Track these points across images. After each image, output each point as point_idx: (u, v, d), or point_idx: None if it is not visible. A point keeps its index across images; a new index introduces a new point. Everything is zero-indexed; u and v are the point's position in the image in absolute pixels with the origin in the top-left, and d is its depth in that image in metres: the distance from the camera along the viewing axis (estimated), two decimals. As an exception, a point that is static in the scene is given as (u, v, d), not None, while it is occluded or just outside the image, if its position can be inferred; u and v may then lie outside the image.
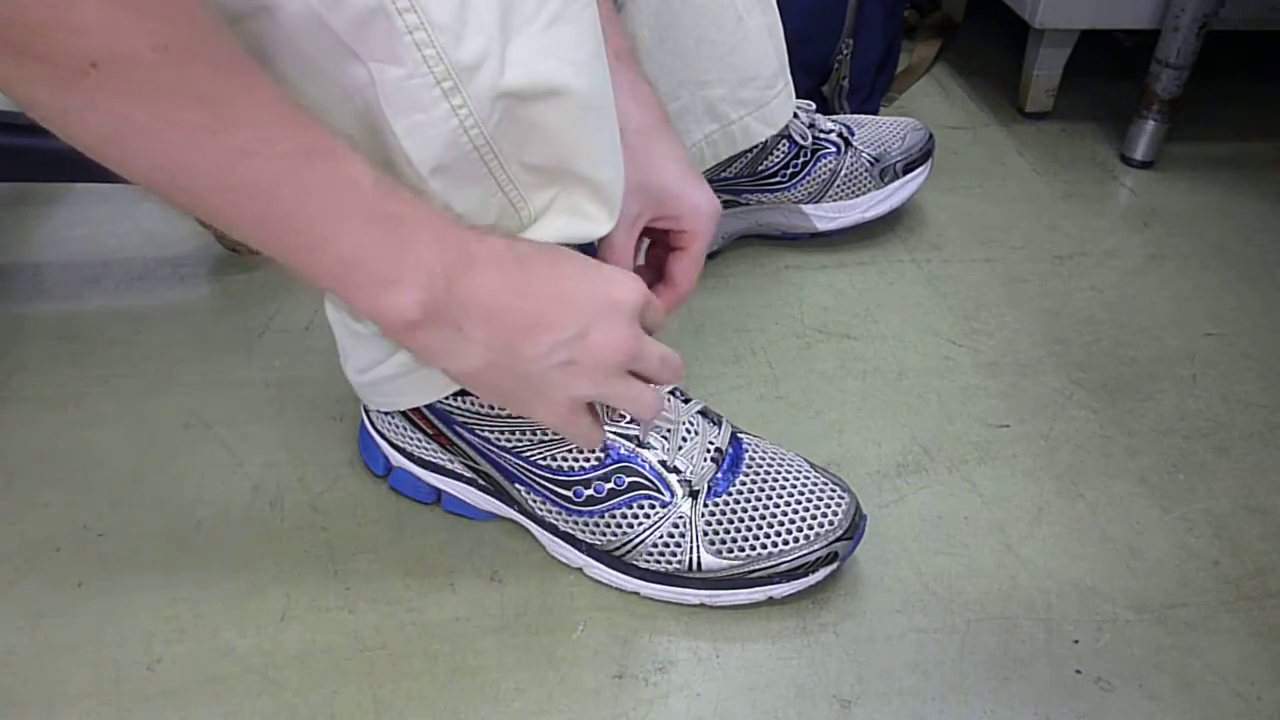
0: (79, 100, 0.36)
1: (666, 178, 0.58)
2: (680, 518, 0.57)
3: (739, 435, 0.61)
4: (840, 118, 0.91)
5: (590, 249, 0.54)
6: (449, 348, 0.47)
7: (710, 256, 0.89)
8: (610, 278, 0.50)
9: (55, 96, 0.36)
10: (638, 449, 0.57)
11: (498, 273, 0.46)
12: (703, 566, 0.57)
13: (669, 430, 0.58)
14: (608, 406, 0.56)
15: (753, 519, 0.57)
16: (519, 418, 0.56)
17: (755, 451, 0.60)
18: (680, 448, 0.58)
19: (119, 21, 0.34)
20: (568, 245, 0.52)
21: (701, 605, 0.59)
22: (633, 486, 0.57)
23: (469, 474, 0.62)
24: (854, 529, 0.58)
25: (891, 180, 0.89)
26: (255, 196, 0.40)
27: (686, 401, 0.60)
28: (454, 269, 0.45)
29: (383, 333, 0.47)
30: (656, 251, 0.62)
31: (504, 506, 0.62)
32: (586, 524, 0.58)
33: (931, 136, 0.92)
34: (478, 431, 0.59)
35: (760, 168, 0.85)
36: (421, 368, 0.56)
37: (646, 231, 0.59)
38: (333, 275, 0.43)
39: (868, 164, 0.88)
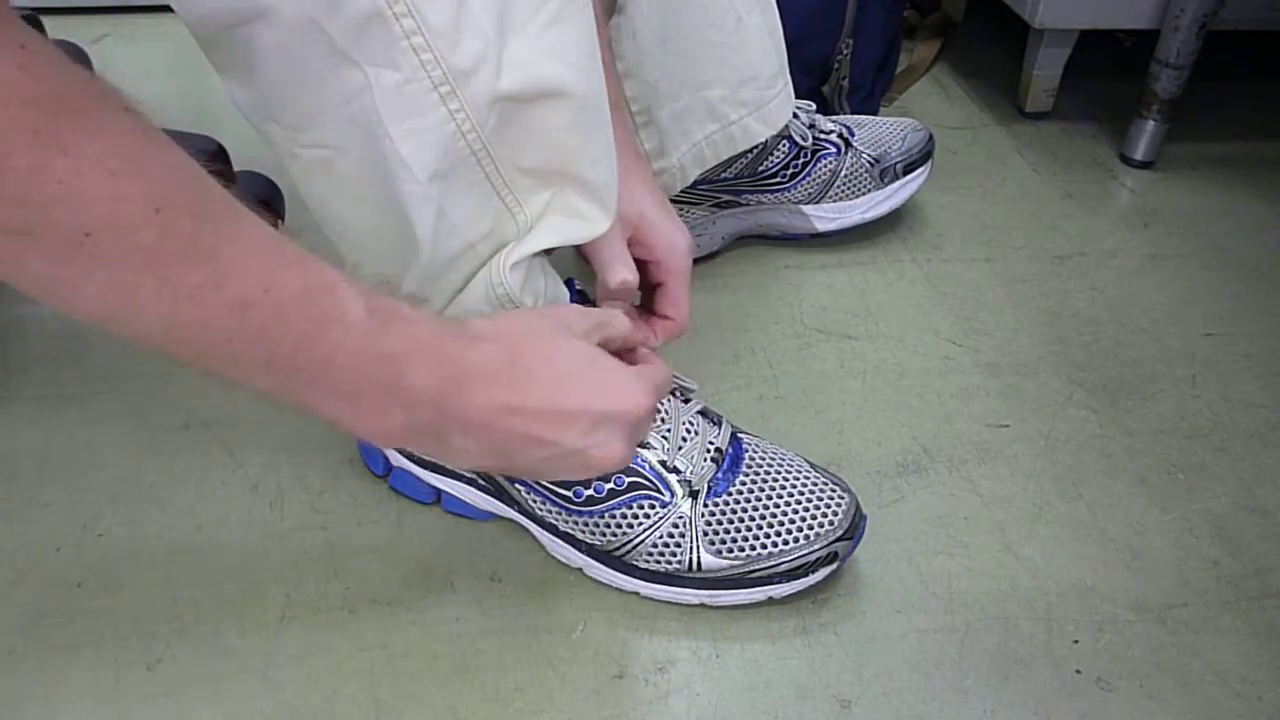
0: (76, 271, 0.34)
1: (644, 204, 0.58)
2: (680, 518, 0.57)
3: (739, 435, 0.61)
4: (840, 118, 0.91)
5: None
6: (440, 451, 0.48)
7: (710, 256, 0.89)
8: (614, 385, 0.48)
9: (50, 268, 0.34)
10: (638, 449, 0.57)
11: (491, 390, 0.45)
12: (703, 566, 0.57)
13: (669, 430, 0.58)
14: None
15: (753, 519, 0.57)
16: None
17: (755, 451, 0.60)
18: (680, 448, 0.58)
19: (122, 189, 0.33)
20: (569, 245, 0.52)
21: (701, 605, 0.59)
22: (632, 486, 0.57)
23: (469, 474, 0.62)
24: (854, 529, 0.58)
25: (891, 181, 0.89)
26: (258, 343, 0.39)
27: (686, 401, 0.60)
28: (446, 392, 0.44)
29: None
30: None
31: (504, 506, 0.62)
32: (586, 524, 0.58)
33: (931, 137, 0.92)
34: (478, 431, 0.58)
35: (761, 168, 0.85)
36: None
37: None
38: (326, 408, 0.42)
39: (868, 165, 0.88)
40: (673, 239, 0.59)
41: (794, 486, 0.59)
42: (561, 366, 0.47)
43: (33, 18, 1.06)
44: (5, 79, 0.30)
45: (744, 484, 0.58)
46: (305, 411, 0.43)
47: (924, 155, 0.91)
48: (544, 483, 0.58)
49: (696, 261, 0.86)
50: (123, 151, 0.33)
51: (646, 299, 0.62)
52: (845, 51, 1.02)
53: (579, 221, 0.51)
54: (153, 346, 0.39)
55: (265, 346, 0.39)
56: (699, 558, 0.57)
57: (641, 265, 0.59)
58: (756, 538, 0.57)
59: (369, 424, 0.43)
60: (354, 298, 0.41)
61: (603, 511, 0.57)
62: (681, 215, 0.64)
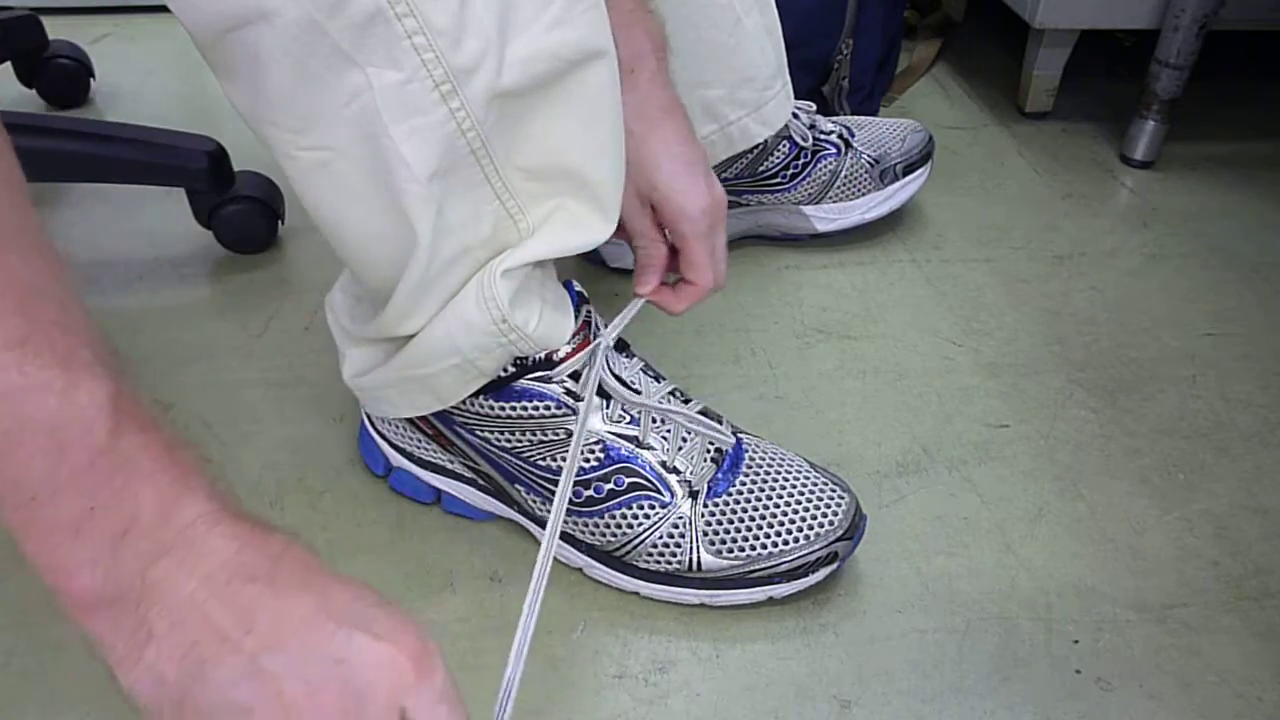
0: None
1: (659, 174, 0.57)
2: (680, 518, 0.57)
3: (739, 435, 0.61)
4: (840, 119, 0.91)
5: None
6: (121, 638, 0.33)
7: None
8: (365, 647, 0.34)
9: None
10: (638, 449, 0.57)
11: (212, 564, 0.33)
12: (703, 566, 0.57)
13: (669, 430, 0.58)
14: None
15: (753, 519, 0.57)
16: (519, 419, 0.56)
17: (755, 451, 0.60)
18: (680, 448, 0.58)
19: None
20: (568, 255, 0.52)
21: (701, 605, 0.59)
22: (633, 487, 0.57)
23: (469, 474, 0.62)
24: (854, 529, 0.58)
25: (891, 182, 0.89)
26: None
27: (686, 402, 0.60)
28: (159, 571, 0.33)
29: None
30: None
31: (504, 507, 0.62)
32: (586, 524, 0.58)
33: (931, 138, 0.92)
34: (477, 432, 0.58)
35: (761, 169, 0.85)
36: (412, 380, 0.55)
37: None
38: (24, 533, 0.33)
39: (868, 165, 0.88)
40: (684, 204, 0.58)
41: (794, 486, 0.58)
42: (306, 607, 0.35)
43: (33, 18, 1.06)
44: None
45: (744, 484, 0.58)
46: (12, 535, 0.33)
47: (924, 156, 0.91)
48: (544, 483, 0.58)
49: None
50: None
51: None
52: (845, 51, 1.02)
53: (578, 231, 0.51)
54: None
55: None
56: (699, 558, 0.57)
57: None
58: (756, 538, 0.57)
59: (61, 581, 0.33)
60: (94, 406, 0.32)
61: (603, 512, 0.57)
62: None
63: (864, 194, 0.88)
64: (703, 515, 0.57)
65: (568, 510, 0.58)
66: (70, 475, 0.32)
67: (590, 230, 0.52)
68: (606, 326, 0.58)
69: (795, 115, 0.84)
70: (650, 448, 0.57)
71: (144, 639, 0.33)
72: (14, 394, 0.31)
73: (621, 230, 0.56)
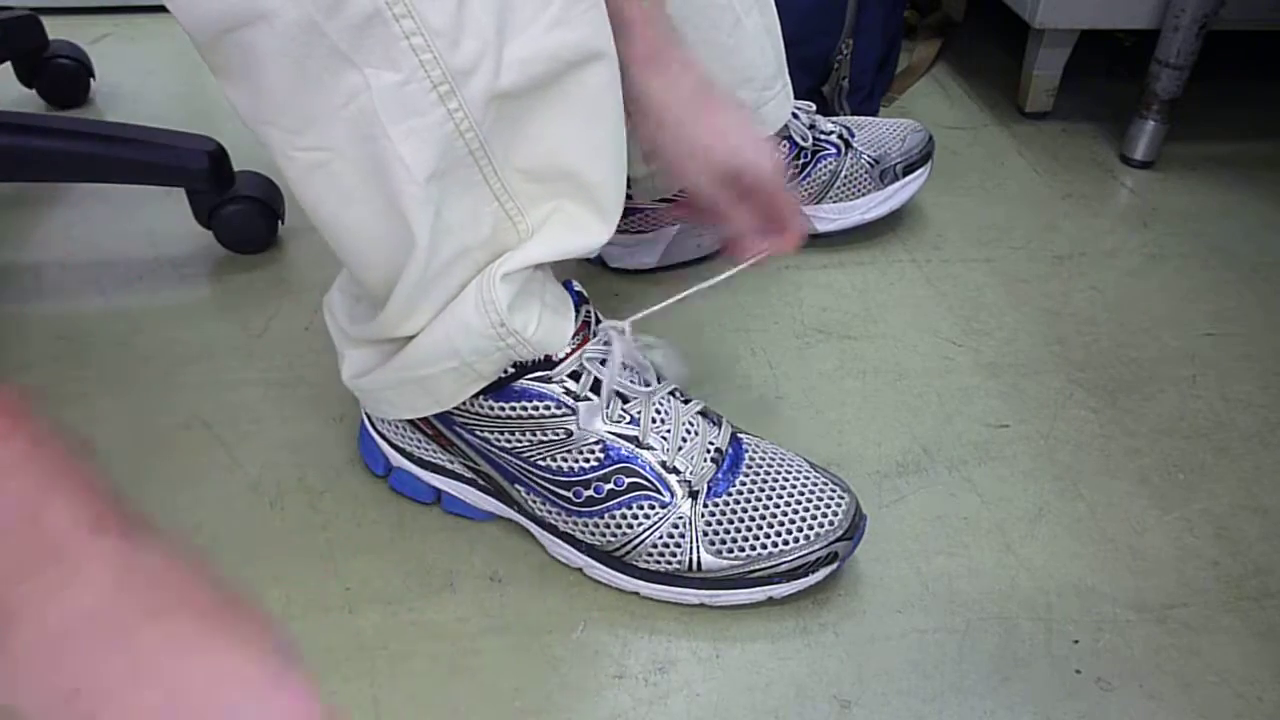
0: None
1: (736, 141, 0.57)
2: (680, 518, 0.57)
3: (739, 435, 0.61)
4: (840, 119, 0.91)
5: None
6: None
7: (710, 257, 0.89)
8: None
9: None
10: (637, 449, 0.57)
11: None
12: (703, 566, 0.57)
13: (669, 431, 0.58)
14: None
15: (753, 519, 0.57)
16: (519, 419, 0.56)
17: (755, 451, 0.60)
18: (680, 448, 0.58)
19: None
20: (568, 258, 0.52)
21: (701, 605, 0.59)
22: (632, 487, 0.57)
23: (469, 474, 0.62)
24: (854, 529, 0.58)
25: (891, 182, 0.89)
26: None
27: (686, 402, 0.60)
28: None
29: None
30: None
31: (504, 507, 0.62)
32: (586, 524, 0.58)
33: (931, 139, 0.92)
34: (477, 432, 0.59)
35: (760, 168, 0.84)
36: (411, 381, 0.55)
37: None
38: None
39: (868, 165, 0.88)
40: (766, 163, 0.58)
41: (794, 486, 0.58)
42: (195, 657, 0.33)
43: (33, 18, 1.06)
44: None
45: (744, 484, 0.58)
46: None
47: (924, 156, 0.91)
48: (544, 483, 0.58)
49: (697, 262, 0.87)
50: None
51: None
52: (845, 51, 1.02)
53: (578, 234, 0.51)
54: None
55: None
56: (699, 558, 0.57)
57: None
58: (756, 538, 0.57)
59: None
60: None
61: (602, 512, 0.57)
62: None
63: (864, 194, 0.88)
64: (703, 515, 0.57)
65: (567, 510, 0.58)
66: None
67: (590, 233, 0.51)
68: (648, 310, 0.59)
69: (795, 115, 0.84)
70: (650, 448, 0.57)
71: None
72: None
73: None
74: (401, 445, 0.63)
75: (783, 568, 0.57)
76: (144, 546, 0.33)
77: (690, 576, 0.57)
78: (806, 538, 0.57)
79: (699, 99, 0.57)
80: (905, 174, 0.89)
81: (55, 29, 1.10)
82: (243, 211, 0.85)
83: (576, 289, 0.58)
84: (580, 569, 0.60)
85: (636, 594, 0.59)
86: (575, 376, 0.56)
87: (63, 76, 1.08)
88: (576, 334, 0.56)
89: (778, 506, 0.58)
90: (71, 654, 0.30)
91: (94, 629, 0.30)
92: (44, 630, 0.30)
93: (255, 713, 0.31)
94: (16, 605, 0.30)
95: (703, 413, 0.60)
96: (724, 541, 0.57)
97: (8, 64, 1.06)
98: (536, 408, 0.56)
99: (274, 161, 0.48)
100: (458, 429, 0.59)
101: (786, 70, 0.79)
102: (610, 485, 0.57)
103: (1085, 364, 0.79)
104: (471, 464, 0.61)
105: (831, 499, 0.58)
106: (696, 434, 0.59)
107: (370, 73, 0.42)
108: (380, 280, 0.51)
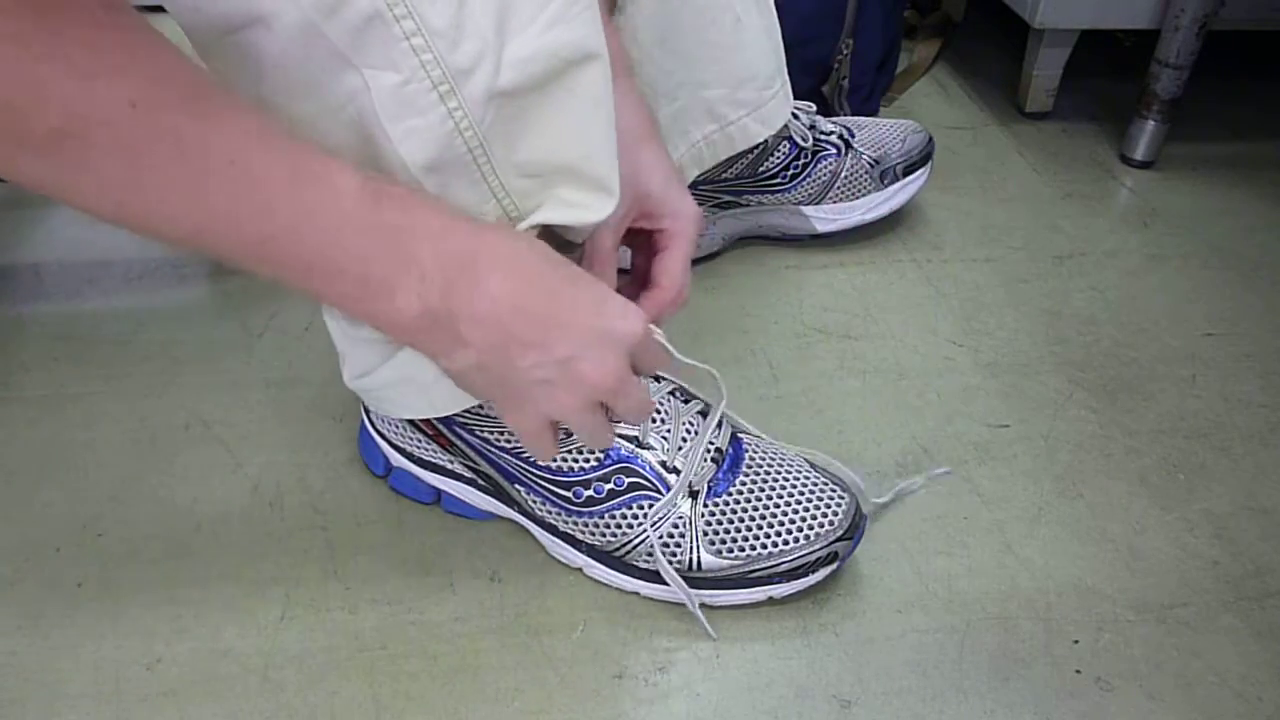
0: (64, 171, 0.36)
1: (651, 184, 0.58)
2: (680, 518, 0.57)
3: (739, 435, 0.61)
4: (840, 120, 0.91)
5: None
6: (443, 348, 0.47)
7: (710, 257, 0.89)
8: (612, 307, 0.49)
9: (42, 170, 0.36)
10: (637, 449, 0.57)
11: (498, 281, 0.45)
12: (703, 566, 0.57)
13: (669, 431, 0.58)
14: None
15: (753, 519, 0.57)
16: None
17: (755, 451, 0.60)
18: (680, 448, 0.58)
19: (95, 87, 0.35)
20: (570, 227, 0.52)
21: (701, 605, 0.59)
22: (632, 487, 0.57)
23: (469, 474, 0.62)
24: (854, 529, 0.58)
25: (891, 182, 0.89)
26: (254, 224, 0.40)
27: (686, 402, 0.60)
28: (454, 278, 0.44)
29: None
30: (639, 261, 0.61)
31: (504, 507, 0.62)
32: (586, 524, 0.58)
33: (931, 139, 0.92)
34: (477, 432, 0.59)
35: (761, 169, 0.85)
36: (413, 381, 0.55)
37: (629, 236, 0.59)
38: (332, 290, 0.44)
39: (868, 166, 0.88)
40: (678, 205, 0.58)
41: (794, 486, 0.59)
42: (564, 277, 0.47)
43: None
44: None
45: (744, 484, 0.58)
46: (320, 300, 0.45)
47: (924, 157, 0.91)
48: (543, 483, 0.58)
49: (697, 262, 0.87)
50: (97, 47, 0.35)
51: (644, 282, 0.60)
52: (845, 52, 1.02)
53: (575, 209, 0.51)
54: (162, 240, 0.41)
55: (260, 228, 0.40)
56: (699, 558, 0.57)
57: (643, 238, 0.59)
58: (756, 538, 0.57)
59: (381, 306, 0.44)
60: (349, 174, 0.42)
61: (602, 512, 0.57)
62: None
63: (864, 194, 0.88)
64: (703, 515, 0.57)
65: (567, 510, 0.58)
66: (352, 242, 0.42)
67: (584, 209, 0.51)
68: None
69: (795, 116, 0.84)
70: (650, 448, 0.57)
71: (460, 346, 0.46)
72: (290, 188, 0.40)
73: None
74: (401, 445, 0.63)
75: (783, 568, 0.57)
76: None
77: (690, 576, 0.57)
78: (806, 538, 0.57)
79: (645, 133, 0.58)
80: (905, 174, 0.89)
81: (55, 29, 1.10)
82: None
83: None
84: (580, 569, 0.60)
85: (636, 594, 0.59)
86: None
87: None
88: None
89: (778, 506, 0.58)
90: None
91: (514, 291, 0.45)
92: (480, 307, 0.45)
93: (615, 301, 0.49)
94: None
95: (703, 413, 0.60)
96: (724, 541, 0.57)
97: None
98: (536, 408, 0.56)
99: None
100: (458, 429, 0.59)
101: (786, 70, 0.79)
102: (610, 485, 0.57)
103: (1085, 364, 0.79)
104: (471, 464, 0.61)
105: (831, 499, 0.58)
106: (696, 434, 0.59)
107: (369, 74, 0.42)
108: None
